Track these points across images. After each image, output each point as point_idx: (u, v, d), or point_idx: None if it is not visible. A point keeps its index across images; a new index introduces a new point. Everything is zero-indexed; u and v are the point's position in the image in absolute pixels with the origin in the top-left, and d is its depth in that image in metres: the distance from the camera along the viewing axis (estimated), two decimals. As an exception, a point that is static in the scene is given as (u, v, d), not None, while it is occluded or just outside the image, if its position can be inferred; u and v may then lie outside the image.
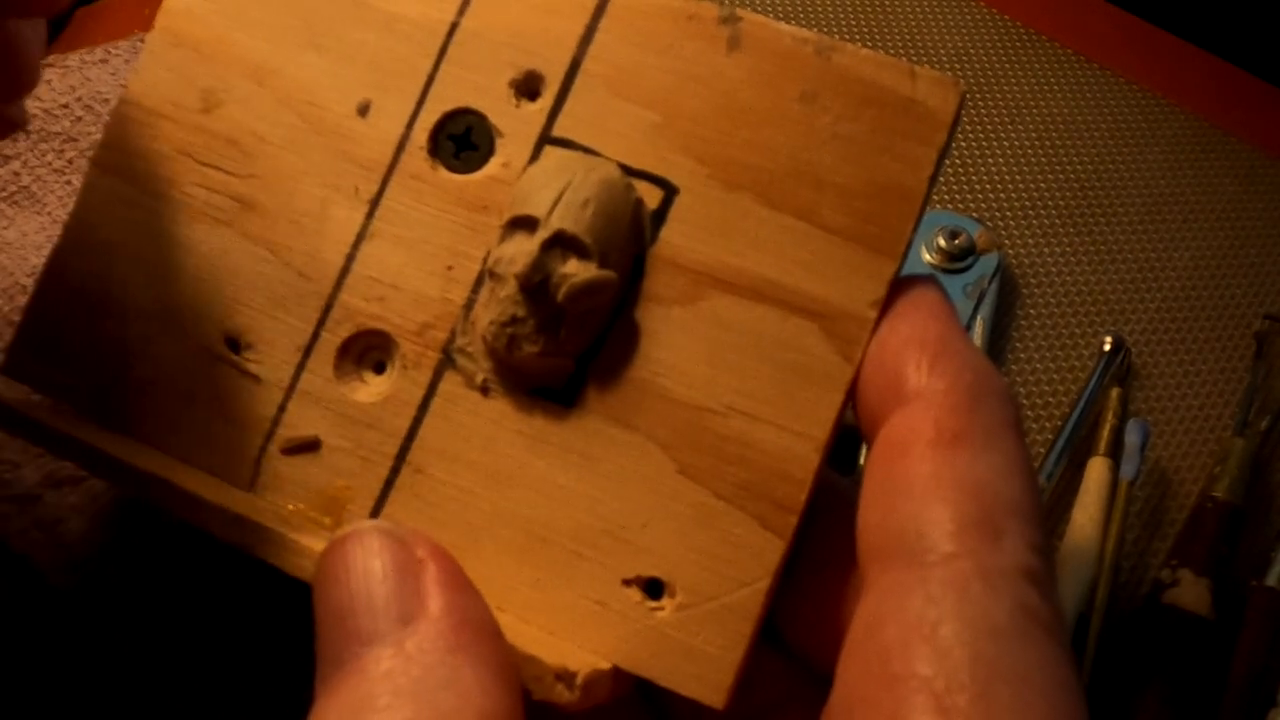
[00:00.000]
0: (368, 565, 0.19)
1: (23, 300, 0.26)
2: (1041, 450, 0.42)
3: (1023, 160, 0.52)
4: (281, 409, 0.24)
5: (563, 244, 0.22)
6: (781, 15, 0.56)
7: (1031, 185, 0.51)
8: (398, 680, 0.17)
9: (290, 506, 0.24)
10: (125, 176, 0.25)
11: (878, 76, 0.22)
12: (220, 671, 0.30)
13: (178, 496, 0.22)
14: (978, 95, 0.54)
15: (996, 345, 0.46)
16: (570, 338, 0.22)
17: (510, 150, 0.24)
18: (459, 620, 0.18)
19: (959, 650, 0.17)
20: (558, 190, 0.22)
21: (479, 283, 0.23)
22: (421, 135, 0.24)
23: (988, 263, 0.46)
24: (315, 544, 0.20)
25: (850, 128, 0.22)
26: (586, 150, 0.23)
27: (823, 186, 0.22)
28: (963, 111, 0.22)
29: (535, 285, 0.22)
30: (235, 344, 0.24)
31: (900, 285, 0.22)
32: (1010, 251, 0.48)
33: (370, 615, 0.18)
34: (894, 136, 0.22)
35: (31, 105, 0.42)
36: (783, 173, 0.22)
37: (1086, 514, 0.40)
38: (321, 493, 0.23)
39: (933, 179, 0.22)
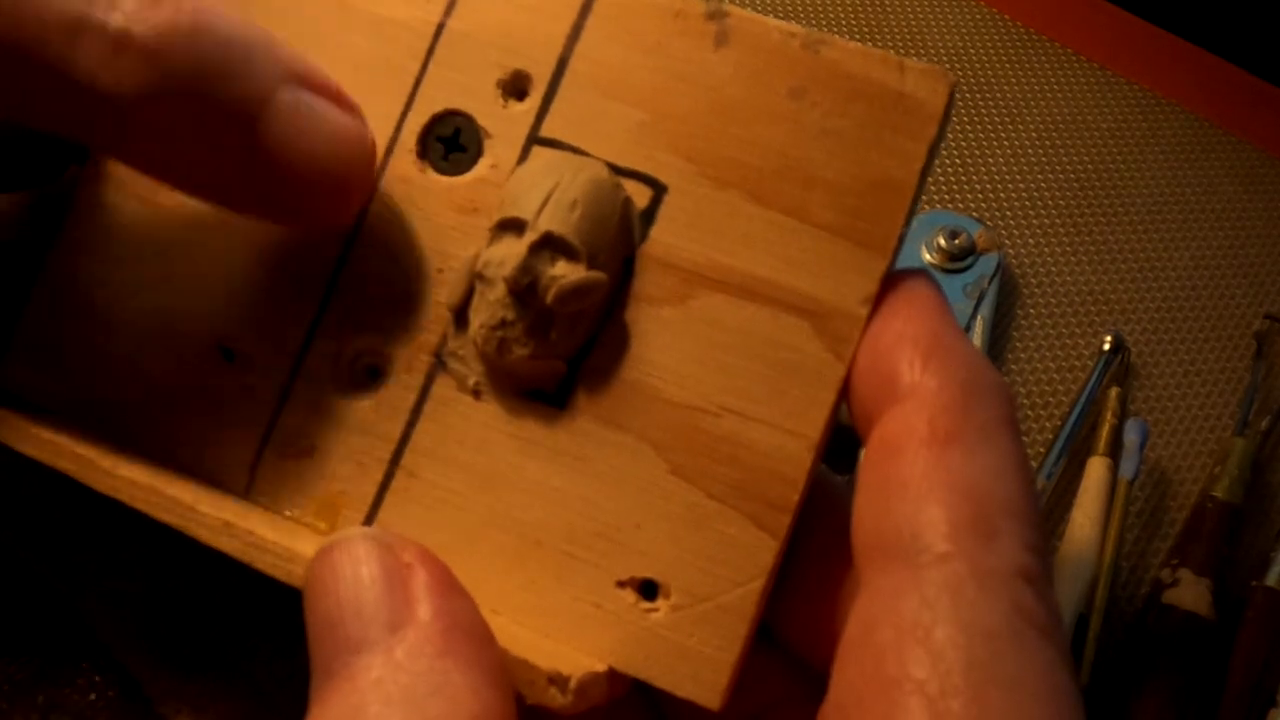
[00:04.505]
0: (355, 573, 0.19)
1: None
2: (1041, 450, 0.42)
3: (1023, 160, 0.52)
4: (276, 415, 0.24)
5: (551, 246, 0.22)
6: (780, 15, 0.56)
7: (1031, 185, 0.51)
8: (388, 688, 0.17)
9: (286, 513, 0.23)
10: (120, 180, 0.25)
11: (866, 70, 0.22)
12: (219, 674, 0.29)
13: (167, 506, 0.22)
14: (977, 95, 0.54)
15: (996, 345, 0.46)
16: (561, 340, 0.22)
17: (499, 151, 0.23)
18: (448, 625, 0.18)
19: (953, 653, 0.17)
20: (545, 191, 0.22)
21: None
22: (410, 138, 0.24)
23: (988, 263, 0.46)
24: (308, 551, 0.20)
25: (839, 123, 0.22)
26: (575, 150, 0.23)
27: (812, 183, 0.22)
28: (955, 105, 0.22)
29: (524, 288, 0.22)
30: (229, 350, 0.24)
31: (893, 280, 0.22)
32: (1010, 251, 0.48)
33: (359, 623, 0.18)
34: (883, 131, 0.22)
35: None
36: (772, 169, 0.22)
37: (1086, 514, 0.40)
38: (317, 498, 0.23)
39: (924, 173, 0.22)
